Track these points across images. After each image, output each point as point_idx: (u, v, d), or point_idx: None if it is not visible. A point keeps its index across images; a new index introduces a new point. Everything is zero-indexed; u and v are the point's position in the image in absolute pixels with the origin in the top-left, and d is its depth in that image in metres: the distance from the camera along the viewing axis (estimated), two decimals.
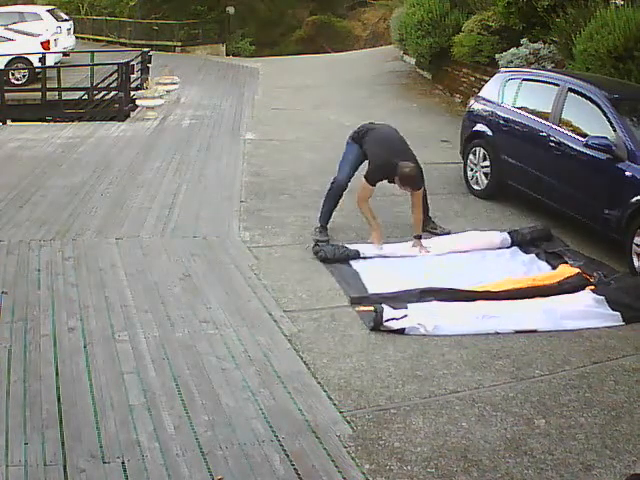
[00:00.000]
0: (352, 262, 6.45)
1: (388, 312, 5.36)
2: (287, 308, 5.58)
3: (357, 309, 5.59)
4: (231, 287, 5.97)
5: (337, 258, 6.46)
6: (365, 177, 6.83)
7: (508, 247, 6.91)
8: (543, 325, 5.41)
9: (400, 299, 5.66)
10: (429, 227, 7.27)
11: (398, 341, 5.13)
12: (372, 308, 5.45)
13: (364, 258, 6.53)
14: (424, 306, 5.57)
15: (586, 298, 5.74)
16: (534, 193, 7.80)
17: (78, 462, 3.71)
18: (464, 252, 6.74)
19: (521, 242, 6.92)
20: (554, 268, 6.40)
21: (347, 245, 6.72)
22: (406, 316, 5.35)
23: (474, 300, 5.70)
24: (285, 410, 4.25)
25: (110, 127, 12.85)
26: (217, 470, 3.70)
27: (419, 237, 6.82)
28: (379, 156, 6.78)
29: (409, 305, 5.53)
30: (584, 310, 5.60)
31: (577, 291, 5.88)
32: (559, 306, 5.63)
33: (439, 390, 4.53)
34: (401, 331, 5.25)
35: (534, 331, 5.34)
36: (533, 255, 6.73)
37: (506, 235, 6.99)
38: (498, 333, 5.29)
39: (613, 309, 5.60)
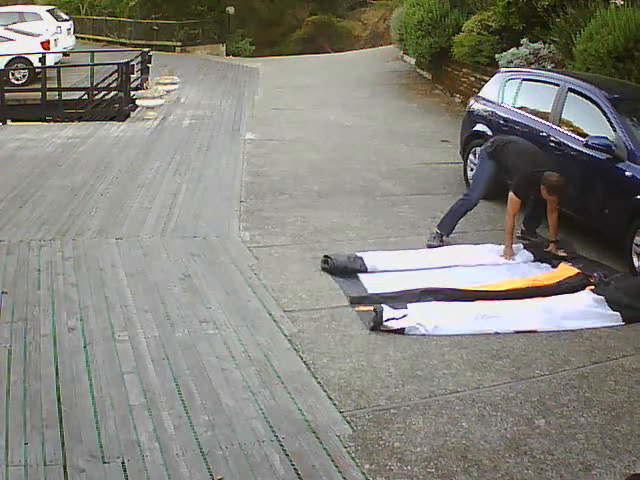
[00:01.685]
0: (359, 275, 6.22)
1: (388, 312, 5.36)
2: (287, 308, 5.58)
3: (357, 309, 5.59)
4: (231, 287, 5.97)
5: (346, 270, 6.20)
6: (513, 191, 6.75)
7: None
8: (543, 325, 5.41)
9: (400, 299, 5.66)
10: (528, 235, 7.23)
11: (398, 341, 5.13)
12: (372, 308, 5.45)
13: (372, 272, 6.24)
14: (424, 306, 5.57)
15: (586, 298, 5.74)
16: None
17: (78, 462, 3.71)
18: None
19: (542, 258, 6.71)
20: (554, 267, 6.41)
21: (361, 255, 6.42)
22: (406, 316, 5.34)
23: (474, 300, 5.70)
24: (285, 410, 4.25)
25: (110, 127, 12.86)
26: (217, 470, 3.70)
27: (555, 242, 6.79)
28: (523, 169, 6.76)
29: (409, 305, 5.53)
30: (584, 310, 5.60)
31: (577, 291, 5.88)
32: (559, 306, 5.63)
33: (439, 390, 4.53)
34: (401, 331, 5.25)
35: (534, 331, 5.34)
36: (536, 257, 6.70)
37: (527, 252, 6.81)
38: (498, 333, 5.29)
39: (613, 309, 5.60)
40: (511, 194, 6.75)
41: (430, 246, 6.89)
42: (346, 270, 6.20)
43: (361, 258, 6.35)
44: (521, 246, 6.88)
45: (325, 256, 6.35)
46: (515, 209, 6.76)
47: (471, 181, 7.48)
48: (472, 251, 6.80)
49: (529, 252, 6.78)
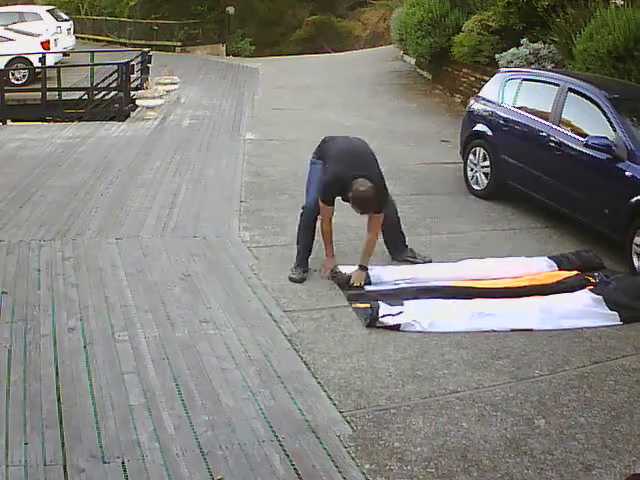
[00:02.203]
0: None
1: (384, 308, 5.38)
2: (287, 308, 5.58)
3: (354, 306, 5.60)
4: (231, 287, 5.97)
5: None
6: (318, 195, 6.02)
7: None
8: (540, 324, 5.41)
9: (396, 296, 5.67)
10: (406, 256, 6.50)
11: (398, 341, 5.13)
12: (368, 305, 5.47)
13: (377, 284, 5.99)
14: (420, 303, 5.57)
15: (584, 297, 5.74)
16: (534, 193, 7.80)
17: (78, 462, 3.71)
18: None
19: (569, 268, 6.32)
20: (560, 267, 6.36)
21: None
22: (402, 312, 5.36)
23: (471, 298, 5.70)
24: (285, 410, 4.25)
25: (110, 127, 12.85)
26: (217, 470, 3.70)
27: (364, 268, 5.98)
28: (333, 170, 5.91)
29: (405, 302, 5.54)
30: (582, 309, 5.60)
31: (576, 291, 5.88)
32: (557, 305, 5.63)
33: (439, 390, 4.53)
34: (396, 327, 5.26)
35: (530, 330, 5.34)
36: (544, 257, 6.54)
37: (552, 262, 6.43)
38: (495, 331, 5.29)
39: (611, 309, 5.60)
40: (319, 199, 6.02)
41: (292, 279, 6.10)
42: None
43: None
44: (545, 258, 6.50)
45: (331, 270, 6.12)
46: (327, 216, 6.04)
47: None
48: (480, 265, 6.39)
49: (553, 261, 6.44)
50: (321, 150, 6.29)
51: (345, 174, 5.76)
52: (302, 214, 6.36)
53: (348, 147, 6.12)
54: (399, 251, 6.54)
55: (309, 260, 6.30)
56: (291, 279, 6.09)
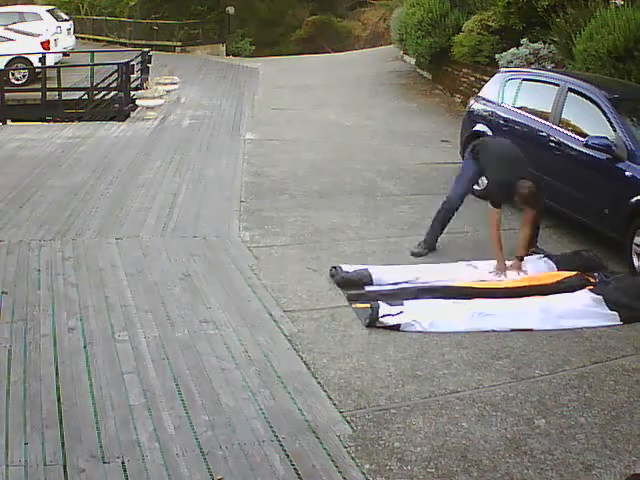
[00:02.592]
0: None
1: (384, 308, 5.38)
2: (287, 308, 5.58)
3: (354, 306, 5.60)
4: (231, 287, 5.97)
5: (352, 282, 5.99)
6: (489, 201, 6.51)
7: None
8: (540, 324, 5.41)
9: (397, 296, 5.67)
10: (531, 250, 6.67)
11: (398, 341, 5.13)
12: (368, 305, 5.47)
13: (379, 285, 6.00)
14: (420, 303, 5.58)
15: (584, 297, 5.74)
16: None
17: (78, 462, 3.71)
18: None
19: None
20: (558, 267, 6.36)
21: (367, 267, 6.21)
22: (402, 312, 5.36)
23: (471, 298, 5.70)
24: (285, 410, 4.25)
25: (110, 127, 12.85)
26: (217, 470, 3.70)
27: (521, 259, 6.31)
28: (501, 178, 6.43)
29: (405, 302, 5.54)
30: (582, 309, 5.60)
31: (576, 291, 5.88)
32: (556, 305, 5.63)
33: (439, 390, 4.53)
34: (396, 327, 5.26)
35: (530, 330, 5.34)
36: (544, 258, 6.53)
37: (551, 262, 6.44)
38: (495, 331, 5.30)
39: (611, 309, 5.60)
40: (490, 205, 6.50)
41: (413, 253, 6.70)
42: (352, 282, 6.00)
43: (367, 270, 6.13)
44: (541, 256, 6.55)
45: (333, 267, 6.16)
46: (494, 219, 6.39)
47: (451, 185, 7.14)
48: (482, 266, 6.35)
49: (552, 262, 6.44)
50: (478, 152, 6.80)
51: (512, 180, 6.27)
52: (445, 203, 6.92)
53: (508, 153, 6.62)
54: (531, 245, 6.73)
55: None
56: (413, 253, 6.70)
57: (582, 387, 4.61)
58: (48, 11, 23.27)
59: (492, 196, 6.57)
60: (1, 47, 18.98)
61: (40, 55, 17.65)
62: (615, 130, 6.82)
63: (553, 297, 5.77)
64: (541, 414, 4.29)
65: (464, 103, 12.48)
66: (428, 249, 6.80)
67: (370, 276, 6.05)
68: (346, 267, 6.15)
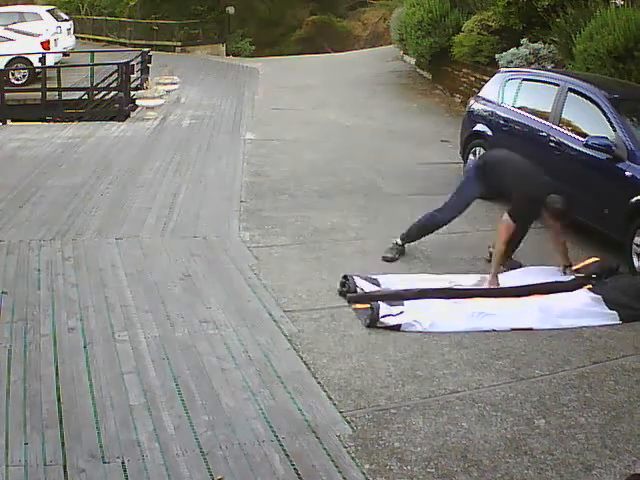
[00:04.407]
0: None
1: (384, 308, 5.37)
2: (287, 308, 5.58)
3: (354, 306, 5.59)
4: (231, 287, 5.97)
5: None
6: (510, 216, 6.07)
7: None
8: (539, 323, 5.41)
9: (397, 297, 5.66)
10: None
11: (398, 341, 5.13)
12: (368, 305, 5.46)
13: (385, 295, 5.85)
14: (420, 303, 5.56)
15: (583, 297, 5.74)
16: None
17: (78, 462, 3.71)
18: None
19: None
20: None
21: (376, 276, 6.04)
22: (402, 312, 5.35)
23: (471, 297, 5.69)
24: (285, 410, 4.25)
25: (110, 127, 12.86)
26: (217, 470, 3.70)
27: (570, 266, 6.21)
28: (524, 194, 6.10)
29: (405, 302, 5.53)
30: (581, 309, 5.60)
31: (575, 290, 5.88)
32: (556, 304, 5.63)
33: (439, 390, 4.53)
34: (397, 327, 5.25)
35: (530, 329, 5.34)
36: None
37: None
38: (495, 330, 5.30)
39: (610, 308, 5.60)
40: (506, 218, 6.08)
41: (384, 258, 6.50)
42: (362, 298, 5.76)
43: (376, 279, 6.01)
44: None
45: (344, 276, 5.91)
46: (509, 235, 6.08)
47: (448, 197, 6.70)
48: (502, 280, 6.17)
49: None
50: (486, 171, 6.48)
51: (543, 195, 6.04)
52: (432, 217, 6.63)
53: (525, 169, 6.32)
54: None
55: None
56: (384, 258, 6.51)
57: (582, 387, 4.61)
58: (48, 11, 23.28)
59: (519, 212, 6.11)
60: (1, 47, 18.99)
61: (40, 55, 17.65)
62: (615, 130, 6.82)
63: (552, 296, 5.77)
64: (541, 414, 4.29)
65: (464, 103, 12.48)
66: (400, 253, 6.61)
67: (379, 284, 5.89)
68: (359, 281, 5.86)
